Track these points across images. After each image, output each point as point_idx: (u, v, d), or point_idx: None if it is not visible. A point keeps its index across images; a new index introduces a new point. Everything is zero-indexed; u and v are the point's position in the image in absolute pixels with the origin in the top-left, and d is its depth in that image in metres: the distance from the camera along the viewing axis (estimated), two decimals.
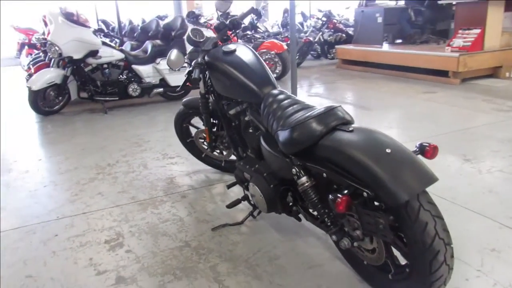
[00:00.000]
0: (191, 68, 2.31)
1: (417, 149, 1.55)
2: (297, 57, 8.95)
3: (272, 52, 7.14)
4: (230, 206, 2.29)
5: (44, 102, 5.32)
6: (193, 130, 3.09)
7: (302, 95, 6.13)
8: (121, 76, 5.59)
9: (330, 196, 1.42)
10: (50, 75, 5.18)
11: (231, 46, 2.22)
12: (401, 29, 8.27)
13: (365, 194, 1.41)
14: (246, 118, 2.18)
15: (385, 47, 7.90)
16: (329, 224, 1.68)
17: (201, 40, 2.32)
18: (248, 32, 9.67)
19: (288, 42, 9.25)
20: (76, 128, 4.80)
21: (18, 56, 10.40)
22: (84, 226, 2.43)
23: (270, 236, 2.22)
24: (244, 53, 2.18)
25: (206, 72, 2.34)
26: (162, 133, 4.38)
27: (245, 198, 2.26)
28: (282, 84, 6.96)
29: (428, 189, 1.41)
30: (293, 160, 1.71)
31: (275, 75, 7.28)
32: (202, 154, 3.14)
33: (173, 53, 2.36)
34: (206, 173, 3.16)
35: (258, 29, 9.93)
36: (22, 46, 10.08)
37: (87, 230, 2.38)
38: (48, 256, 2.13)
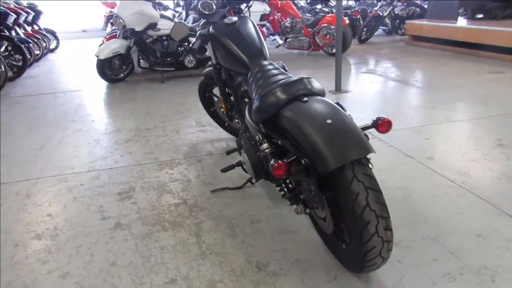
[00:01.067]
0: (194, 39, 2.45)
1: (371, 123, 1.56)
2: (363, 32, 8.64)
3: (333, 26, 6.98)
4: (224, 170, 2.44)
5: (110, 70, 5.85)
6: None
7: (351, 73, 5.98)
8: (179, 48, 5.93)
9: (271, 162, 1.50)
10: (116, 45, 5.67)
11: (233, 19, 2.31)
12: (482, 3, 7.54)
13: (303, 162, 1.47)
14: (242, 89, 2.28)
15: (459, 22, 7.29)
16: (285, 189, 1.76)
17: (210, 12, 2.44)
18: (318, 6, 9.50)
19: (358, 16, 8.97)
20: (133, 95, 5.24)
21: (105, 28, 11.36)
22: (106, 179, 2.76)
23: (261, 201, 2.34)
24: (243, 25, 2.26)
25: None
26: None
27: (239, 164, 2.39)
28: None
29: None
30: (260, 128, 1.80)
31: (334, 50, 7.14)
32: (225, 123, 3.30)
33: (177, 24, 2.50)
34: (228, 141, 3.33)
35: (330, 3, 9.70)
36: (108, 18, 10.96)
37: (107, 182, 2.70)
38: (69, 201, 2.48)
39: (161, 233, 2.09)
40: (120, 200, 2.46)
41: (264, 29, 8.57)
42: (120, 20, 5.51)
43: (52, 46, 10.02)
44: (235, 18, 2.32)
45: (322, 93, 1.71)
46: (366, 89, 4.86)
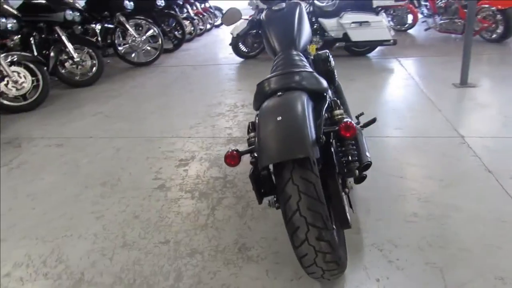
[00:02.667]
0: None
1: (336, 126, 1.44)
2: None
3: (493, 8, 5.93)
4: None
5: (244, 47, 6.29)
6: None
7: (495, 63, 5.04)
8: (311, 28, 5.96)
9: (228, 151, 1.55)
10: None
11: (282, 4, 2.31)
12: None
13: (252, 156, 1.48)
14: None
15: None
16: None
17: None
18: None
19: None
20: (256, 71, 5.56)
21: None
22: (180, 145, 3.13)
23: None
24: (287, 12, 2.24)
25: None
26: None
27: None
28: (502, 49, 5.83)
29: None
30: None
31: (494, 36, 6.11)
32: None
33: (229, 10, 2.57)
34: None
35: None
36: None
37: (178, 149, 3.07)
38: (142, 159, 2.94)
39: (187, 201, 2.33)
40: (177, 166, 2.80)
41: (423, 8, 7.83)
42: (254, 0, 5.84)
43: (218, 22, 11.15)
44: (283, 4, 2.31)
45: (306, 88, 1.63)
46: (502, 86, 4.09)
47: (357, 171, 1.62)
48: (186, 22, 8.69)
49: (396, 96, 4.02)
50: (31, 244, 2.02)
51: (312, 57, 2.33)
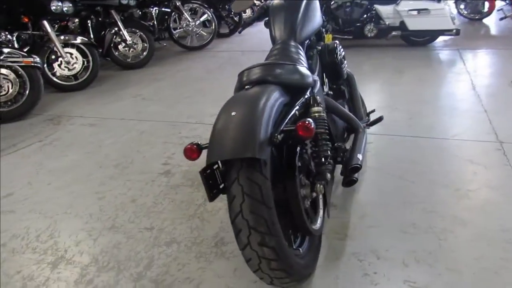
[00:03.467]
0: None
1: (294, 126, 1.33)
2: None
3: None
4: None
5: None
6: None
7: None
8: (365, 15, 5.64)
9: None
10: None
11: None
12: None
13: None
14: None
15: None
16: None
17: None
18: None
19: None
20: None
21: None
22: (200, 132, 3.15)
23: None
24: (295, 3, 2.11)
25: None
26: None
27: None
28: None
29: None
30: None
31: None
32: None
33: None
34: None
35: None
36: None
37: (197, 135, 3.09)
38: (160, 143, 2.99)
39: (186, 188, 2.34)
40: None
41: None
42: None
43: None
44: None
45: (287, 83, 1.53)
46: None
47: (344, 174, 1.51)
48: None
49: (442, 92, 3.67)
50: (33, 218, 2.16)
51: (320, 48, 2.18)
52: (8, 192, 2.44)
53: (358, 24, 5.61)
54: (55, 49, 4.48)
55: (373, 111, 2.36)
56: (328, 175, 1.53)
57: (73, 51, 4.63)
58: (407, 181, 2.22)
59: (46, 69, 4.49)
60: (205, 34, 6.65)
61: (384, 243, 1.76)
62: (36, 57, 3.83)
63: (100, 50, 5.24)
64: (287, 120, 1.40)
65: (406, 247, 1.72)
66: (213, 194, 1.39)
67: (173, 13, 6.51)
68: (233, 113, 1.34)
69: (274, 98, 1.43)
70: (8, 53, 3.66)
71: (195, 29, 6.54)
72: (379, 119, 2.26)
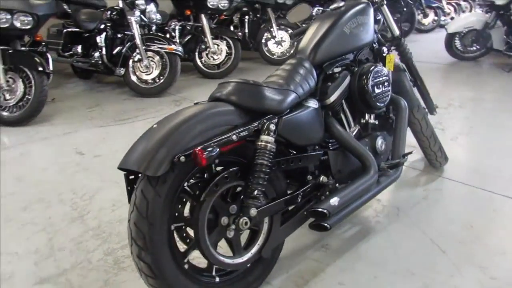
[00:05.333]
0: None
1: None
2: None
3: None
4: None
5: (461, 47, 5.29)
6: None
7: None
8: None
9: None
10: (471, 19, 5.01)
11: (340, 3, 1.94)
12: None
13: None
14: None
15: None
16: None
17: None
18: None
19: None
20: (457, 80, 4.67)
21: None
22: None
23: None
24: (333, 15, 1.88)
25: None
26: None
27: None
28: None
29: None
30: None
31: None
32: None
33: (298, 6, 2.22)
34: None
35: None
36: None
37: None
38: None
39: None
40: None
41: None
42: None
43: None
44: (342, 3, 1.95)
45: (232, 100, 1.45)
46: None
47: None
48: (429, 10, 7.90)
49: None
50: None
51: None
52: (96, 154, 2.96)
53: None
54: (205, 40, 5.06)
55: (410, 153, 1.94)
56: (253, 212, 1.40)
57: (220, 42, 5.13)
58: (436, 248, 1.79)
59: (197, 56, 5.14)
60: None
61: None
62: (178, 45, 4.43)
63: (251, 44, 5.67)
64: (211, 142, 1.33)
65: None
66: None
67: None
68: (155, 126, 1.37)
69: (211, 118, 1.39)
70: (157, 40, 4.34)
71: None
72: (398, 164, 1.87)
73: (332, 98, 1.78)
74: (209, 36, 5.03)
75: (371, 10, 1.98)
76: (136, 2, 4.33)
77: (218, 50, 5.12)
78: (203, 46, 5.12)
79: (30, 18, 3.62)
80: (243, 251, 1.49)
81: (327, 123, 1.78)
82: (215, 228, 1.41)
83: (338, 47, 1.85)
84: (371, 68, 1.85)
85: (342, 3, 1.98)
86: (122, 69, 4.40)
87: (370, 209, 2.12)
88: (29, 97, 3.57)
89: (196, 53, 5.14)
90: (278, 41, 5.67)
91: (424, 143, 2.29)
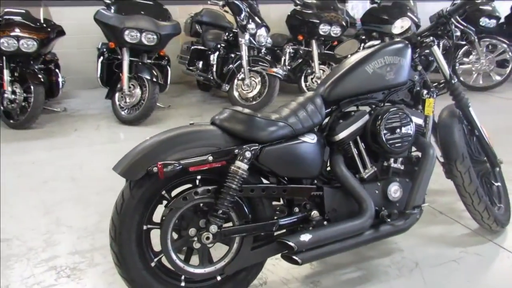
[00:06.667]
0: None
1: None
2: None
3: None
4: None
5: None
6: None
7: None
8: None
9: None
10: None
11: (374, 43, 1.89)
12: None
13: None
14: None
15: None
16: None
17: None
18: None
19: None
20: None
21: None
22: None
23: None
24: (358, 54, 1.85)
25: None
26: None
27: None
28: None
29: None
30: None
31: None
32: None
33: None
34: None
35: None
36: None
37: None
38: None
39: None
40: None
41: None
42: None
43: None
44: (376, 42, 1.90)
45: (232, 131, 1.58)
46: None
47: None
48: None
49: None
50: None
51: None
52: None
53: None
54: (312, 65, 5.20)
55: (422, 206, 1.74)
56: (213, 229, 1.51)
57: (327, 68, 5.21)
58: None
59: (302, 80, 5.32)
60: (495, 74, 5.68)
61: None
62: (280, 68, 4.68)
63: None
64: (187, 160, 1.50)
65: None
66: None
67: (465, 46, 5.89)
68: (147, 138, 1.60)
69: (195, 139, 1.57)
70: (262, 61, 4.67)
71: (483, 66, 5.71)
72: (402, 214, 1.71)
73: (341, 136, 1.77)
74: (316, 61, 5.15)
75: (409, 51, 1.89)
76: (248, 26, 4.74)
77: (323, 76, 5.21)
78: (309, 71, 5.27)
79: (155, 36, 4.30)
80: (208, 263, 1.61)
81: (331, 160, 1.77)
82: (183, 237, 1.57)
83: (356, 86, 1.82)
84: (388, 110, 1.77)
85: (377, 42, 1.94)
86: (227, 85, 4.85)
87: (387, 256, 2.00)
88: (143, 102, 4.25)
89: (302, 77, 5.32)
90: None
91: (467, 199, 2.03)
